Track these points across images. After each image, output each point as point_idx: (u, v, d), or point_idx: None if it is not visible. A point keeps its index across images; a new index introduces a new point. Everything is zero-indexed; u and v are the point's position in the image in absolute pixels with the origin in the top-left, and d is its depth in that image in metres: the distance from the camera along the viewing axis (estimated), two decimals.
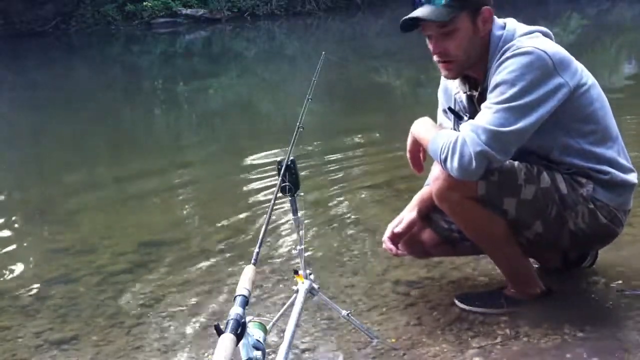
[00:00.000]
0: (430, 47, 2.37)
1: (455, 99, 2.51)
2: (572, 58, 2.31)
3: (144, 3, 19.02)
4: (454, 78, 2.44)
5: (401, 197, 3.47)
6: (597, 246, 2.64)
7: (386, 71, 10.16)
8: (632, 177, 2.40)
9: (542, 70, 2.20)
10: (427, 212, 2.58)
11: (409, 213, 2.60)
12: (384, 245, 2.64)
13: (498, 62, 2.26)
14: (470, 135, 2.18)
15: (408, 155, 2.57)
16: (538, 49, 2.22)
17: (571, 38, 12.50)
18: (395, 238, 2.61)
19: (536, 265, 2.71)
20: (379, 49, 13.21)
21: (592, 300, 2.59)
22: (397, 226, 2.59)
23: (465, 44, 2.31)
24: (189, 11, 19.40)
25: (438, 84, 2.61)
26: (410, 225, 2.59)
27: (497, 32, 2.33)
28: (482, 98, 2.33)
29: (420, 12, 2.28)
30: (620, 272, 2.72)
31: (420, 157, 2.56)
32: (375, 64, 11.09)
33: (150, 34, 18.26)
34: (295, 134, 2.49)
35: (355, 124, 6.50)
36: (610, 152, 2.36)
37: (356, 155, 5.22)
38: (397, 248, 2.62)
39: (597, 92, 2.37)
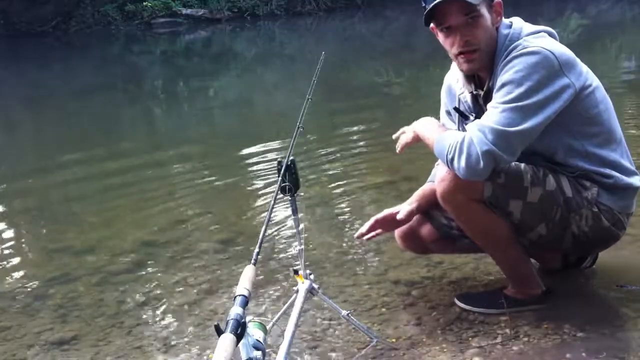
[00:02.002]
0: (446, 42, 2.32)
1: (459, 99, 2.51)
2: (577, 59, 2.30)
3: (144, 3, 19.05)
4: (476, 70, 2.37)
5: (402, 197, 3.45)
6: (599, 249, 2.64)
7: (386, 71, 10.15)
8: (635, 181, 2.39)
9: (548, 70, 2.20)
10: (428, 208, 2.58)
11: (408, 205, 2.60)
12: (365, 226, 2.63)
13: (505, 62, 2.25)
14: (478, 134, 2.17)
15: (401, 143, 2.58)
16: (545, 49, 2.21)
17: (571, 38, 12.50)
18: (384, 223, 2.61)
19: (536, 266, 2.71)
20: (379, 49, 13.22)
21: (592, 300, 2.59)
22: (396, 214, 2.57)
23: (487, 33, 2.29)
24: (189, 11, 19.42)
25: (438, 83, 2.60)
26: (410, 215, 2.58)
27: (504, 31, 2.32)
28: (488, 97, 2.32)
29: None
30: (620, 272, 2.72)
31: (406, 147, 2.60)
32: (375, 64, 11.09)
33: (150, 34, 18.28)
34: (296, 134, 2.49)
35: (356, 124, 6.50)
36: (614, 155, 2.36)
37: (356, 155, 5.23)
38: (370, 235, 2.62)
39: (602, 94, 2.36)
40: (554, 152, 2.34)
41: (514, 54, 2.24)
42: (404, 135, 2.58)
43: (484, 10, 2.28)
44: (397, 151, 2.63)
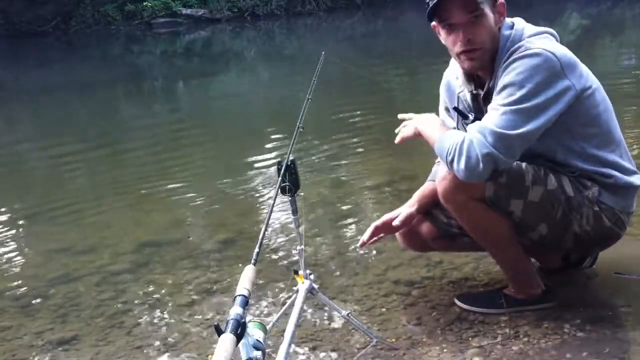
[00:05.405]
0: (448, 40, 2.31)
1: (459, 97, 2.50)
2: (578, 61, 2.30)
3: (144, 3, 19.01)
4: (478, 69, 2.36)
5: (401, 197, 3.47)
6: (600, 248, 2.63)
7: (386, 71, 10.15)
8: (635, 180, 2.39)
9: (550, 72, 2.19)
10: (428, 208, 2.58)
11: (408, 208, 2.60)
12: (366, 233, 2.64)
13: (506, 63, 2.25)
14: (477, 137, 2.17)
15: (402, 135, 2.55)
16: (547, 50, 2.21)
17: (571, 38, 12.49)
18: (383, 228, 2.62)
19: (536, 265, 2.71)
20: (379, 49, 13.20)
21: (592, 300, 2.59)
22: (395, 219, 2.58)
23: (490, 33, 2.28)
24: (189, 11, 19.38)
25: (437, 82, 2.60)
26: (407, 219, 2.58)
27: (505, 32, 2.32)
28: (488, 97, 2.32)
29: None
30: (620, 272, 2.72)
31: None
32: (375, 64, 11.08)
33: (150, 34, 18.26)
34: (295, 134, 2.49)
35: (356, 123, 6.50)
36: (613, 156, 2.36)
37: (356, 155, 5.23)
38: (372, 240, 2.65)
39: (602, 95, 2.36)
40: (554, 153, 2.33)
41: (515, 55, 2.23)
42: (405, 128, 2.55)
43: (487, 10, 2.27)
44: (396, 141, 2.59)
